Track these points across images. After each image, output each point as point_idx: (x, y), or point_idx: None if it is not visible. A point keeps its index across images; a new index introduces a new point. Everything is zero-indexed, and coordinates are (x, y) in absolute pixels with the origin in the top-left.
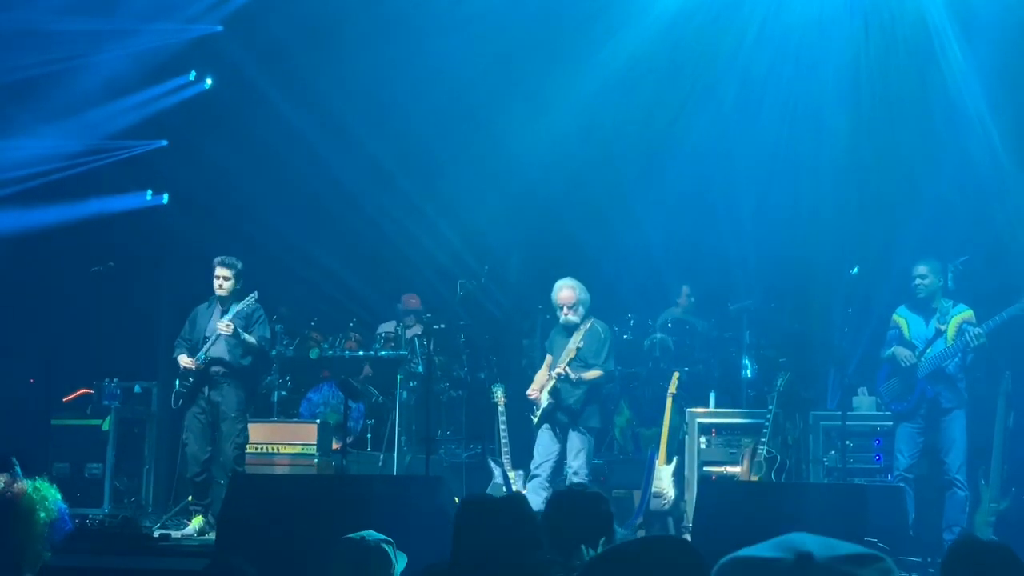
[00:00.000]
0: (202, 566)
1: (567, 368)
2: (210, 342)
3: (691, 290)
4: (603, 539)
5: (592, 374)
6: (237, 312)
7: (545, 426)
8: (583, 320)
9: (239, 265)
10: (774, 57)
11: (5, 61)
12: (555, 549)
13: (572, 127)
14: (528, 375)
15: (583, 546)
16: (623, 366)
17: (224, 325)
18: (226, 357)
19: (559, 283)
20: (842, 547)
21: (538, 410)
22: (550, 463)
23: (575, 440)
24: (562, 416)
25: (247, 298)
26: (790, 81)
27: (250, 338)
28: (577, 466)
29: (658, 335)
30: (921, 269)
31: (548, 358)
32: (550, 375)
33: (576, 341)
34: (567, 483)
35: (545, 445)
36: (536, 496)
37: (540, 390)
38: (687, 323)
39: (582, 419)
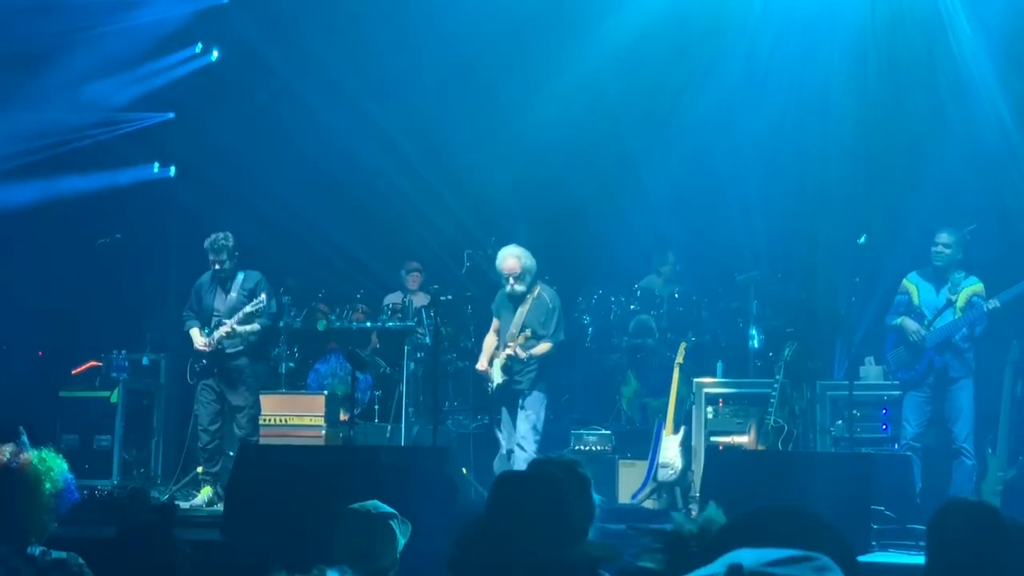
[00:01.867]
0: (212, 536)
1: (518, 349)
2: (219, 323)
3: (676, 259)
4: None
5: (542, 348)
6: (242, 285)
7: (504, 409)
8: (530, 289)
9: (229, 242)
10: (781, 28)
11: (12, 33)
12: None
13: (578, 98)
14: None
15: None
16: (630, 338)
17: (224, 331)
18: (234, 342)
19: (503, 252)
20: (776, 553)
21: (492, 384)
22: (518, 443)
23: (525, 405)
24: (512, 392)
25: (252, 275)
26: (797, 51)
27: (253, 327)
28: (524, 430)
29: (642, 315)
30: (944, 237)
31: (495, 323)
32: (496, 353)
33: (523, 314)
34: (509, 449)
35: (509, 431)
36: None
37: (490, 363)
38: (693, 294)
39: (534, 387)
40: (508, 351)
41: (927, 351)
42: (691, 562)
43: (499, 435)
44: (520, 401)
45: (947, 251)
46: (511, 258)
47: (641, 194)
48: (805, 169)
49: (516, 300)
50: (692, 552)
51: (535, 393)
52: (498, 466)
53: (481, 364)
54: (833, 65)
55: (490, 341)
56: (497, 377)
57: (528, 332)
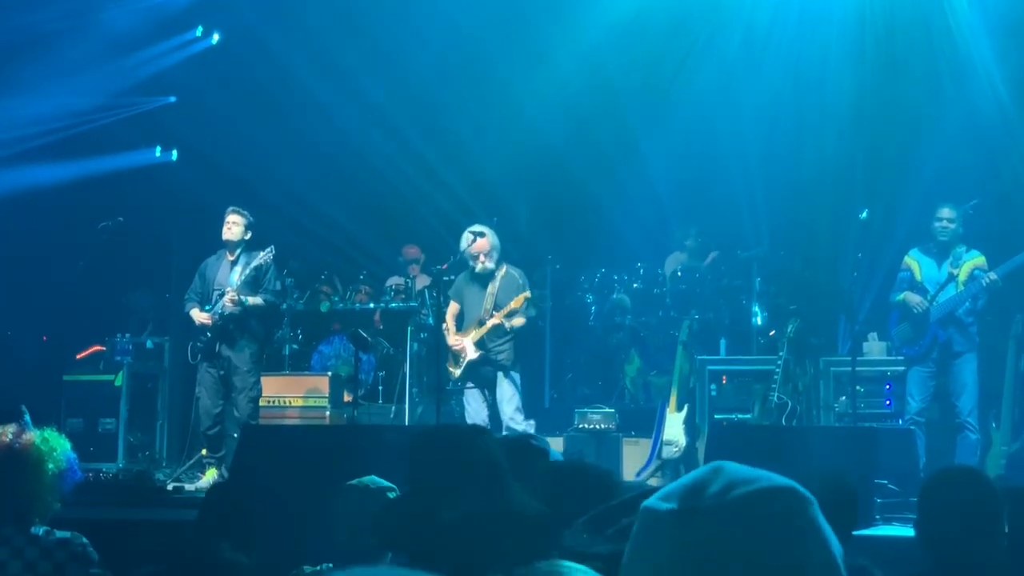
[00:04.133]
0: None
1: (502, 319)
2: (221, 296)
3: (699, 231)
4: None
5: (519, 321)
6: (248, 264)
7: (469, 384)
8: (498, 266)
9: (250, 217)
10: (779, 3)
11: (12, 18)
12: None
13: (578, 75)
14: (539, 326)
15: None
16: (634, 315)
17: (228, 299)
18: (237, 311)
19: (468, 233)
20: (747, 482)
21: (463, 360)
22: (484, 422)
23: (506, 388)
24: (488, 370)
25: (264, 252)
26: (796, 27)
27: (256, 300)
28: (512, 411)
29: (616, 295)
30: (947, 212)
31: (453, 307)
32: (462, 334)
33: (493, 292)
34: (504, 431)
35: (476, 408)
36: None
37: (461, 342)
38: (696, 271)
39: (509, 366)
40: (494, 321)
41: (931, 325)
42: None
43: (467, 416)
44: (498, 381)
45: (951, 226)
46: (479, 238)
47: (642, 172)
48: (805, 145)
49: (484, 279)
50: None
51: (514, 373)
52: None
53: (454, 340)
54: (832, 40)
55: (450, 325)
56: (472, 354)
57: (527, 293)
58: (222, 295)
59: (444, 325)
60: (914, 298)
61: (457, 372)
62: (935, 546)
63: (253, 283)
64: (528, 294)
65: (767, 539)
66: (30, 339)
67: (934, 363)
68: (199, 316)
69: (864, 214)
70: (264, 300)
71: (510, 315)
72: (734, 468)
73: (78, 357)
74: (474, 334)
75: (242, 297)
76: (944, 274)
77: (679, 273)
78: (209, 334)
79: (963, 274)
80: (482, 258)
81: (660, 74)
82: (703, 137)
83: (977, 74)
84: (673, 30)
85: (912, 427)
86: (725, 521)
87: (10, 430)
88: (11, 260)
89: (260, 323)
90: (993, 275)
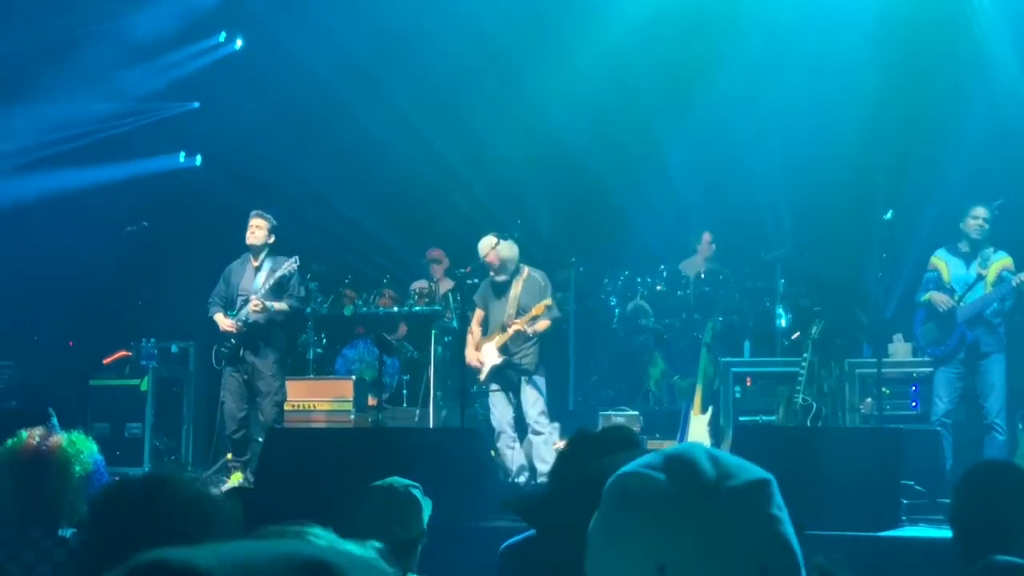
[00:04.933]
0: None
1: (525, 325)
2: (246, 302)
3: (713, 237)
4: None
5: (543, 325)
6: (273, 271)
7: (493, 387)
8: (516, 273)
9: (273, 221)
10: (802, 2)
11: (39, 24)
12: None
13: (600, 76)
14: (563, 328)
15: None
16: (657, 318)
17: (252, 307)
18: (262, 319)
19: (481, 245)
20: (744, 467)
21: (482, 372)
22: (509, 424)
23: (530, 391)
24: (512, 374)
25: (289, 261)
26: (818, 27)
27: (281, 305)
28: (536, 415)
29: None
30: (981, 211)
31: (479, 313)
32: (485, 340)
33: (516, 296)
34: (529, 435)
35: (501, 410)
36: (509, 450)
37: (479, 349)
38: (720, 273)
39: (533, 370)
40: (516, 327)
41: (958, 326)
42: None
43: (492, 418)
44: (523, 384)
45: (986, 226)
46: (490, 251)
47: (664, 173)
48: (829, 145)
49: (506, 284)
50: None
51: (538, 377)
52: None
53: (470, 359)
54: (855, 39)
55: (475, 331)
56: (495, 359)
57: (548, 301)
58: (247, 301)
59: (469, 331)
60: (940, 297)
61: (482, 376)
62: (968, 537)
63: (277, 290)
64: (549, 302)
65: (757, 526)
66: (57, 344)
67: (962, 364)
68: (224, 322)
69: (889, 214)
70: (289, 306)
71: (532, 321)
72: (712, 451)
73: (105, 362)
74: (498, 339)
75: (267, 303)
76: (972, 274)
77: (702, 275)
78: (234, 340)
79: (991, 275)
80: (496, 270)
81: (682, 75)
82: (726, 138)
83: (1001, 73)
84: (695, 31)
85: (939, 428)
86: (749, 496)
87: (37, 433)
88: (37, 265)
89: (284, 329)
90: (1022, 276)
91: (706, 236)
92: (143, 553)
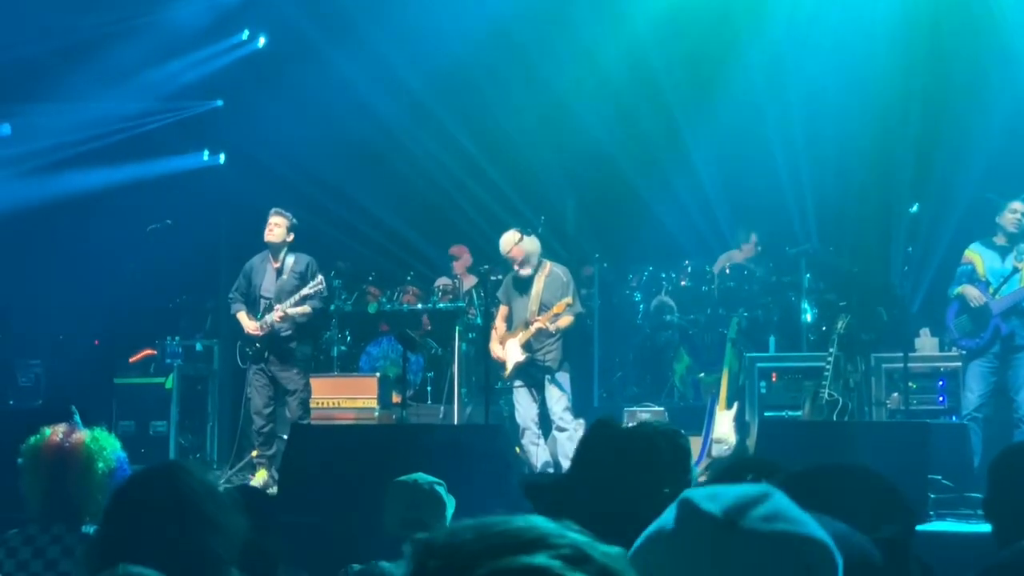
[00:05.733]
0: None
1: (547, 322)
2: (268, 307)
3: (759, 239)
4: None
5: (566, 321)
6: (293, 268)
7: (518, 383)
8: (539, 268)
9: (293, 219)
10: None
11: (62, 24)
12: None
13: (622, 70)
14: (587, 324)
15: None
16: (682, 313)
17: (277, 316)
18: (285, 325)
19: (503, 240)
20: (787, 521)
21: (507, 367)
22: (534, 420)
23: (554, 389)
24: (537, 371)
25: (302, 258)
26: (841, 20)
27: (304, 309)
28: (561, 411)
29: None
30: (1020, 205)
31: (503, 309)
32: (509, 335)
33: (538, 292)
34: (554, 431)
35: (525, 407)
36: (533, 447)
37: (503, 344)
38: (745, 268)
39: (557, 367)
40: (538, 325)
41: (993, 318)
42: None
43: (517, 415)
44: (547, 381)
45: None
46: (513, 247)
47: (688, 168)
48: (853, 139)
49: (528, 281)
50: None
51: (562, 374)
52: (527, 447)
53: (495, 352)
54: (878, 33)
55: (500, 327)
56: (518, 356)
57: (568, 299)
58: (270, 307)
59: (493, 326)
60: (972, 291)
61: (506, 373)
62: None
63: (299, 285)
64: (570, 300)
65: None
66: (82, 342)
67: (996, 357)
68: (248, 325)
69: (915, 208)
70: (312, 308)
71: (554, 318)
72: (783, 501)
73: (131, 361)
74: (521, 336)
75: (289, 311)
76: (1008, 267)
77: (727, 270)
78: (259, 344)
79: None
80: (516, 266)
81: (705, 69)
82: (749, 132)
83: None
84: (717, 24)
85: (968, 422)
86: (757, 549)
87: (60, 429)
88: (62, 263)
89: (308, 329)
90: None
91: (753, 237)
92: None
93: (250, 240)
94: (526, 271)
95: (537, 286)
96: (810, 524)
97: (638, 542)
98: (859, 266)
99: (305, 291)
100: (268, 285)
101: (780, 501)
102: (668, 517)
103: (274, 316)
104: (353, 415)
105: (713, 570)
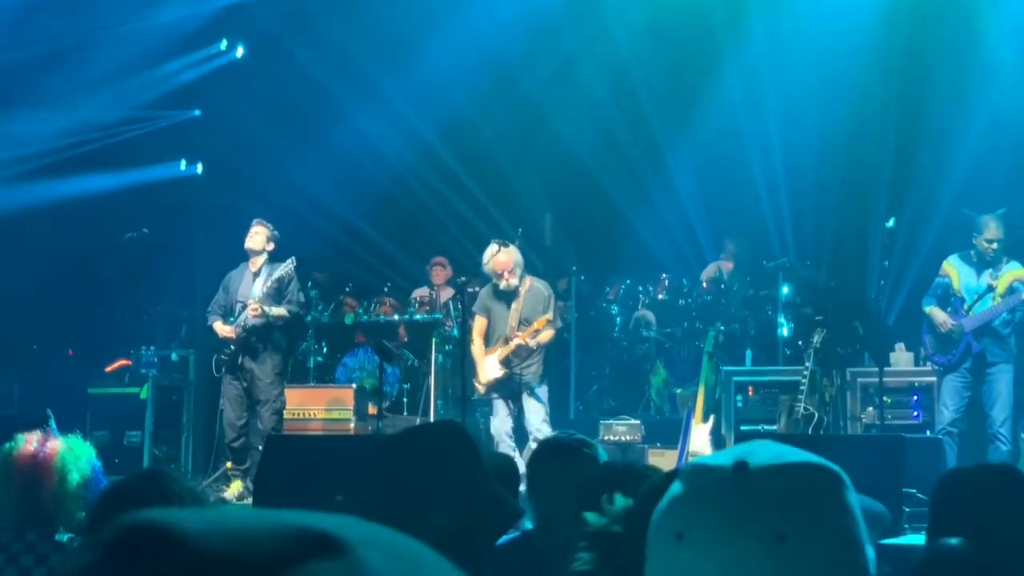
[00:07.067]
0: None
1: (527, 339)
2: (244, 308)
3: (736, 248)
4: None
5: (547, 336)
6: (271, 275)
7: (494, 396)
8: (520, 281)
9: (275, 231)
10: (805, 6)
11: (38, 31)
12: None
13: (601, 84)
14: (564, 338)
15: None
16: (659, 327)
17: (251, 309)
18: (260, 324)
19: (489, 251)
20: (789, 455)
21: (484, 383)
22: (508, 434)
23: (532, 402)
24: (515, 385)
25: (285, 263)
26: (820, 34)
27: (280, 311)
28: (539, 423)
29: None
30: (995, 232)
31: (480, 322)
32: (489, 351)
33: (519, 307)
34: (531, 443)
35: (501, 419)
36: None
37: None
38: (722, 282)
39: (537, 382)
40: (518, 341)
41: (965, 335)
42: (621, 549)
43: (492, 426)
44: (525, 394)
45: (998, 246)
46: (503, 254)
47: (667, 182)
48: (831, 153)
49: (509, 295)
50: (619, 539)
51: (543, 386)
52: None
53: (482, 376)
54: (857, 48)
55: (477, 342)
56: (496, 371)
57: (549, 315)
58: (245, 307)
59: (470, 340)
60: (940, 316)
61: (482, 389)
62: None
63: (276, 295)
64: (550, 316)
65: (814, 501)
66: (56, 352)
67: (969, 373)
68: (222, 329)
69: (891, 222)
70: (288, 311)
71: (534, 333)
72: (776, 444)
73: (107, 370)
74: (500, 352)
75: (265, 308)
76: (983, 284)
77: (704, 284)
78: (233, 347)
79: (1001, 286)
80: (505, 275)
81: (684, 83)
82: (728, 146)
83: (1002, 79)
84: (696, 39)
85: (943, 436)
86: (775, 479)
87: (35, 437)
88: (37, 272)
89: (283, 335)
90: None
91: (730, 246)
92: (130, 514)
93: (227, 250)
94: (512, 281)
95: (517, 302)
96: (811, 454)
97: (654, 516)
98: (836, 280)
99: (278, 273)
100: (245, 291)
101: (774, 444)
102: (674, 488)
103: (248, 312)
104: (329, 426)
105: (735, 509)
